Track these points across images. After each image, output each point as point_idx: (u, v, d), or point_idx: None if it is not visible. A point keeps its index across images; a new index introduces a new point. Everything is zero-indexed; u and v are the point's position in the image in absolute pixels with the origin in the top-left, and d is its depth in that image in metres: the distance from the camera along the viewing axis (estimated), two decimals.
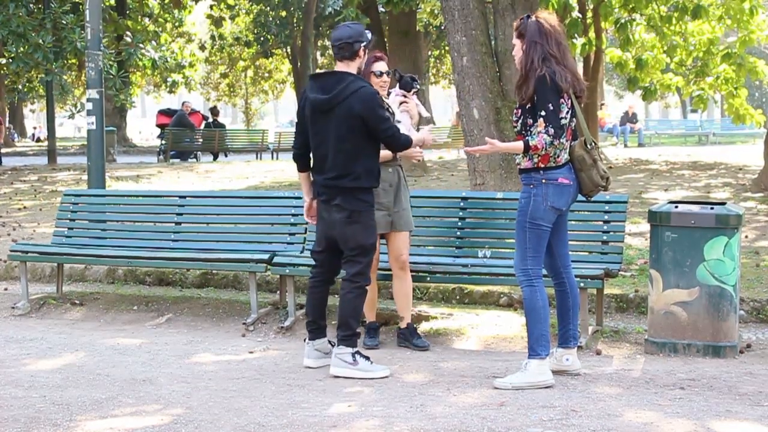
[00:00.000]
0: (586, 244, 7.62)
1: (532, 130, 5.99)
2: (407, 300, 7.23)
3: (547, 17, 6.16)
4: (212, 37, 41.47)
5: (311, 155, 6.66)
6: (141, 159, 28.13)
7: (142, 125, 68.03)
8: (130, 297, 9.15)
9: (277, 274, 8.36)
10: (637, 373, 6.35)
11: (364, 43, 6.55)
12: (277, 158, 27.60)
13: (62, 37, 19.23)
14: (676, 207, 6.82)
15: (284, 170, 20.03)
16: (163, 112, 28.87)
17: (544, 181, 6.02)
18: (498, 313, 8.11)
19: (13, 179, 19.75)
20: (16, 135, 47.41)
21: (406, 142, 6.61)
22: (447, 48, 23.17)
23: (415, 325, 7.36)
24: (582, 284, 6.93)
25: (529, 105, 6.03)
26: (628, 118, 35.15)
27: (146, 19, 34.24)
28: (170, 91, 40.11)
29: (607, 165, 6.31)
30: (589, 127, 6.51)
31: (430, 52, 40.60)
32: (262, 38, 40.85)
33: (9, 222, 13.24)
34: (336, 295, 8.44)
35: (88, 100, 11.47)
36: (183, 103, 28.76)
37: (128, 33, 23.96)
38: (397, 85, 7.29)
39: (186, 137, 26.90)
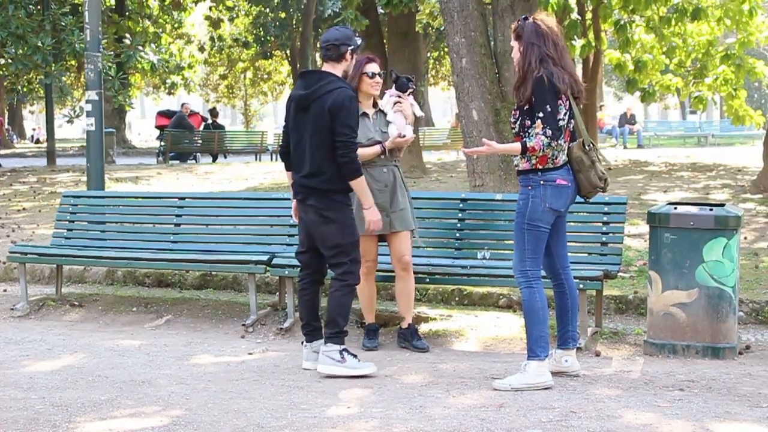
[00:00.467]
0: (585, 245, 7.63)
1: (530, 131, 6.00)
2: (409, 301, 7.23)
3: (545, 18, 6.16)
4: (211, 39, 41.50)
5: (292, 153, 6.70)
6: (140, 160, 28.12)
7: (141, 127, 68.04)
8: (129, 298, 9.15)
9: (276, 276, 8.36)
10: (636, 375, 6.35)
11: (352, 47, 6.56)
12: (276, 159, 27.56)
13: (61, 38, 19.22)
14: (675, 208, 6.82)
15: (283, 172, 19.97)
16: (162, 114, 28.86)
17: (542, 182, 6.02)
18: (497, 314, 8.11)
19: (12, 181, 19.74)
20: (15, 136, 47.39)
21: (355, 165, 6.42)
22: (446, 49, 23.17)
23: (416, 326, 7.36)
24: (581, 285, 6.93)
25: (527, 106, 6.03)
26: (627, 119, 35.16)
27: (146, 21, 34.24)
28: (169, 93, 40.11)
29: (606, 166, 6.30)
30: (588, 129, 6.52)
31: (429, 54, 40.62)
32: (261, 40, 40.88)
33: (8, 223, 13.24)
34: None
35: (88, 101, 11.48)
36: (182, 105, 28.75)
37: (128, 35, 23.96)
38: (393, 85, 7.30)
39: (185, 139, 26.89)
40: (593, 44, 18.54)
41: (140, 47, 22.11)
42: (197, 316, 8.52)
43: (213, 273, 9.49)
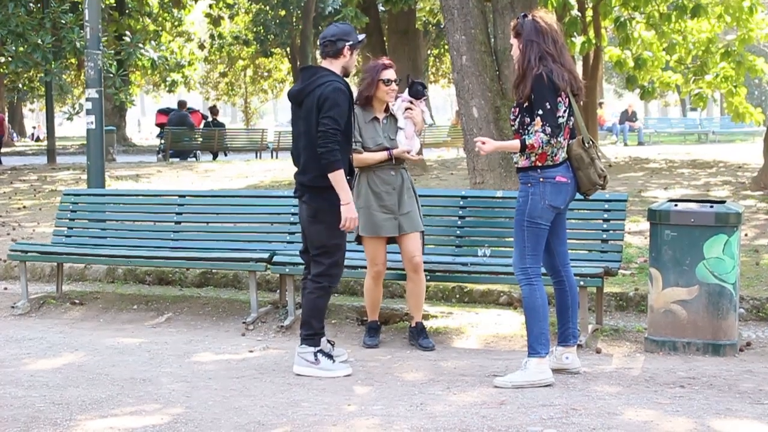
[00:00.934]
0: (585, 242, 7.63)
1: (529, 128, 6.00)
2: (419, 300, 7.23)
3: (544, 16, 6.16)
4: (211, 36, 41.47)
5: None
6: (141, 158, 28.12)
7: (142, 124, 68.06)
8: (129, 296, 9.15)
9: (277, 273, 8.36)
10: (636, 372, 6.35)
11: (350, 43, 6.49)
12: (276, 157, 27.59)
13: (62, 36, 19.20)
14: (676, 205, 6.82)
15: (284, 169, 20.02)
16: (162, 112, 28.84)
17: (541, 179, 6.02)
18: (498, 311, 8.11)
19: (12, 179, 19.75)
20: (15, 134, 47.38)
21: (333, 156, 6.26)
22: (446, 47, 23.17)
23: (423, 325, 7.34)
24: (582, 283, 6.93)
25: (526, 104, 6.03)
26: (628, 116, 35.14)
27: (146, 18, 34.23)
28: (170, 91, 40.10)
29: (606, 163, 6.30)
30: (588, 126, 6.52)
31: (429, 51, 40.58)
32: (261, 37, 40.85)
33: (9, 221, 13.24)
34: (336, 294, 8.49)
35: (88, 99, 11.48)
36: (180, 103, 28.72)
37: (128, 32, 23.93)
38: (406, 90, 7.24)
39: (185, 136, 26.89)
40: (593, 41, 18.53)
41: (140, 44, 22.07)
42: (198, 313, 8.53)
43: (214, 271, 9.49)
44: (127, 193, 11.25)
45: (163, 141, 27.14)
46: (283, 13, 39.41)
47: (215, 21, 38.85)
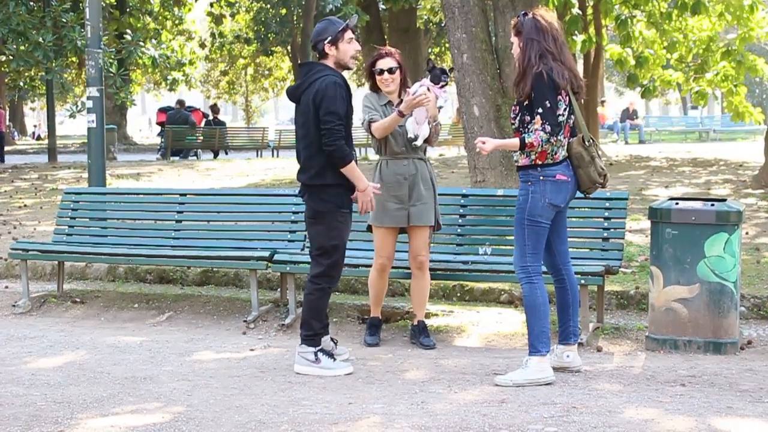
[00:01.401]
0: (586, 240, 7.63)
1: (529, 127, 6.00)
2: (423, 298, 7.22)
3: (544, 14, 6.16)
4: (212, 35, 41.45)
5: None
6: (141, 157, 28.13)
7: (142, 123, 68.06)
8: (130, 295, 9.15)
9: (277, 272, 8.36)
10: (637, 370, 6.35)
11: (329, 39, 6.42)
12: (277, 156, 27.60)
13: (62, 35, 19.22)
14: (677, 204, 6.82)
15: (284, 168, 20.03)
16: (163, 110, 28.86)
17: (541, 178, 6.02)
18: (499, 310, 8.11)
19: (13, 177, 19.75)
20: (16, 133, 47.40)
21: (343, 151, 6.26)
22: (447, 45, 23.16)
23: (425, 323, 7.34)
24: (583, 281, 6.93)
25: (526, 102, 6.03)
26: (629, 114, 35.14)
27: (147, 17, 34.24)
28: (170, 89, 40.10)
29: (606, 162, 6.30)
30: (589, 125, 6.52)
31: (430, 49, 40.57)
32: (262, 36, 40.83)
33: (9, 220, 13.25)
34: (337, 292, 8.49)
35: (89, 98, 11.49)
36: (178, 101, 28.72)
37: (128, 31, 23.95)
38: (428, 76, 7.12)
39: (186, 135, 26.90)
40: (594, 40, 18.53)
41: (141, 43, 22.09)
42: (199, 312, 8.53)
43: (214, 269, 9.49)
44: (128, 191, 11.25)
45: (163, 140, 27.16)
46: (284, 11, 39.39)
47: (217, 19, 38.86)
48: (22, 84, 36.81)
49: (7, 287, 9.75)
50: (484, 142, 6.14)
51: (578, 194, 6.26)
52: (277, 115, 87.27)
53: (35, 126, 53.21)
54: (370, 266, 7.62)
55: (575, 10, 16.27)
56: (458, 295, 8.61)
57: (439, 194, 7.35)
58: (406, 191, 7.00)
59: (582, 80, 6.19)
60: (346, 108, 6.37)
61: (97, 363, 6.78)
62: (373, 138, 7.12)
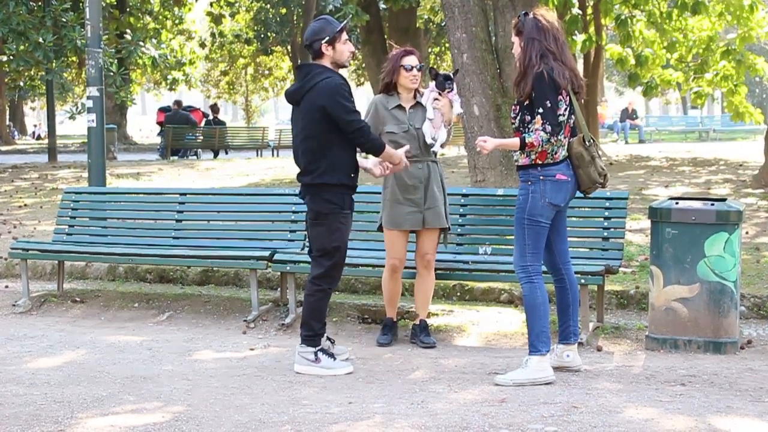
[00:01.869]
0: (586, 240, 7.63)
1: (529, 126, 6.00)
2: (426, 298, 7.24)
3: (545, 14, 6.16)
4: (212, 35, 41.45)
5: None
6: (141, 157, 28.12)
7: (142, 123, 68.02)
8: (130, 294, 9.15)
9: (277, 272, 8.37)
10: (637, 370, 6.35)
11: (325, 39, 6.40)
12: (277, 155, 27.60)
13: (62, 35, 19.22)
14: (677, 203, 6.82)
15: (285, 167, 20.02)
16: (163, 110, 28.85)
17: (541, 177, 6.03)
18: (499, 309, 8.11)
19: (13, 177, 19.74)
20: (16, 133, 47.38)
21: (374, 142, 6.44)
22: (447, 45, 23.15)
23: (426, 323, 7.34)
24: (583, 280, 6.93)
25: (527, 102, 6.03)
26: (629, 114, 35.12)
27: (147, 17, 34.24)
28: (170, 89, 40.09)
29: (606, 161, 6.30)
30: (589, 124, 6.52)
31: (430, 49, 40.54)
32: (262, 35, 40.84)
33: (10, 220, 13.25)
34: (338, 292, 8.49)
35: (89, 97, 11.49)
36: (175, 102, 28.70)
37: (128, 31, 23.95)
38: (433, 83, 7.15)
39: (186, 134, 26.89)
40: (594, 39, 18.53)
41: (141, 42, 22.09)
42: (199, 311, 8.53)
43: (214, 269, 9.49)
44: (128, 191, 11.27)
45: (163, 139, 27.15)
46: (283, 11, 39.40)
47: (216, 19, 38.86)
48: (22, 84, 36.78)
49: (7, 287, 9.75)
50: (485, 141, 6.14)
51: (578, 194, 6.26)
52: (277, 114, 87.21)
53: (35, 126, 53.19)
54: (370, 266, 7.65)
55: (575, 10, 16.27)
56: (458, 294, 8.61)
57: None
58: (422, 194, 7.01)
59: (583, 80, 6.19)
60: (354, 104, 6.43)
61: (97, 362, 6.78)
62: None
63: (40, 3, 21.11)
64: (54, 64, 20.14)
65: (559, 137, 6.01)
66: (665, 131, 39.27)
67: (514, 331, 7.48)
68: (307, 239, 8.05)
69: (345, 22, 6.57)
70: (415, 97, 7.11)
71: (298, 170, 6.57)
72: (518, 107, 6.11)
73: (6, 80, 35.53)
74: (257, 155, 27.75)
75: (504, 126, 10.69)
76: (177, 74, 38.41)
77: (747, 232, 10.30)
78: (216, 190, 10.40)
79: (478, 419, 5.24)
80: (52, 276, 9.90)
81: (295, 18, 39.50)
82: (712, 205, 6.75)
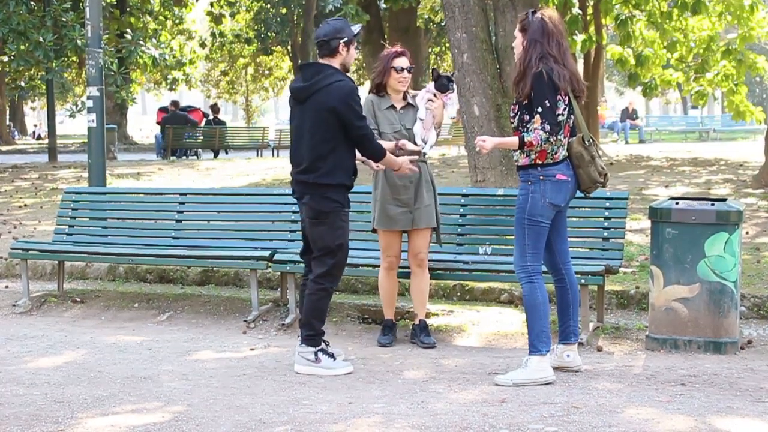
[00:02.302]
0: (586, 240, 7.63)
1: (528, 126, 6.00)
2: (423, 297, 7.23)
3: (552, 16, 6.14)
4: (212, 35, 41.46)
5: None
6: (142, 156, 28.12)
7: (142, 122, 68.03)
8: (130, 294, 9.15)
9: (278, 272, 8.37)
10: (638, 370, 6.35)
11: (344, 39, 6.43)
12: (277, 155, 27.60)
13: (63, 34, 19.23)
14: (677, 203, 6.82)
15: (285, 167, 19.98)
16: (163, 110, 28.84)
17: (541, 177, 6.02)
18: (499, 309, 8.11)
19: (13, 177, 19.74)
20: (16, 133, 47.38)
21: (377, 149, 6.51)
22: (447, 45, 23.17)
23: (426, 322, 7.34)
24: (583, 280, 6.93)
25: (526, 102, 6.03)
26: (629, 114, 35.13)
27: (147, 16, 34.23)
28: (171, 89, 40.09)
29: (607, 161, 6.29)
30: (589, 125, 6.52)
31: (430, 49, 40.59)
32: (262, 35, 40.85)
33: (10, 220, 13.24)
34: (338, 292, 8.48)
35: (89, 97, 11.49)
36: (172, 102, 28.69)
37: (129, 30, 23.96)
38: (432, 83, 7.13)
39: (186, 134, 26.89)
40: (594, 39, 18.53)
41: (141, 42, 22.10)
42: (199, 312, 8.53)
43: (215, 269, 9.49)
44: (128, 191, 11.26)
45: (162, 140, 27.15)
46: (284, 11, 39.42)
47: (216, 19, 38.87)
48: (22, 84, 36.79)
49: (7, 287, 9.75)
50: (483, 141, 6.14)
51: (578, 194, 6.26)
52: (278, 114, 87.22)
53: (35, 125, 53.19)
54: (370, 266, 7.64)
55: (575, 10, 16.28)
56: (458, 294, 8.61)
57: (439, 194, 7.37)
58: (412, 195, 7.03)
59: (584, 84, 6.18)
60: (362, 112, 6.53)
61: (97, 362, 6.78)
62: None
63: (40, 3, 21.13)
64: (54, 64, 20.16)
65: (559, 137, 6.01)
66: (665, 131, 39.28)
67: (514, 331, 7.48)
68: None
69: (360, 27, 6.63)
70: (404, 98, 7.12)
71: (294, 167, 6.58)
72: (517, 107, 6.11)
73: (6, 80, 35.54)
74: (257, 155, 27.75)
75: (504, 126, 10.68)
76: (177, 74, 38.41)
77: (747, 232, 10.30)
78: (216, 190, 10.41)
79: (478, 419, 5.24)
80: (52, 276, 9.90)
81: (295, 18, 39.53)
82: (713, 205, 6.74)
